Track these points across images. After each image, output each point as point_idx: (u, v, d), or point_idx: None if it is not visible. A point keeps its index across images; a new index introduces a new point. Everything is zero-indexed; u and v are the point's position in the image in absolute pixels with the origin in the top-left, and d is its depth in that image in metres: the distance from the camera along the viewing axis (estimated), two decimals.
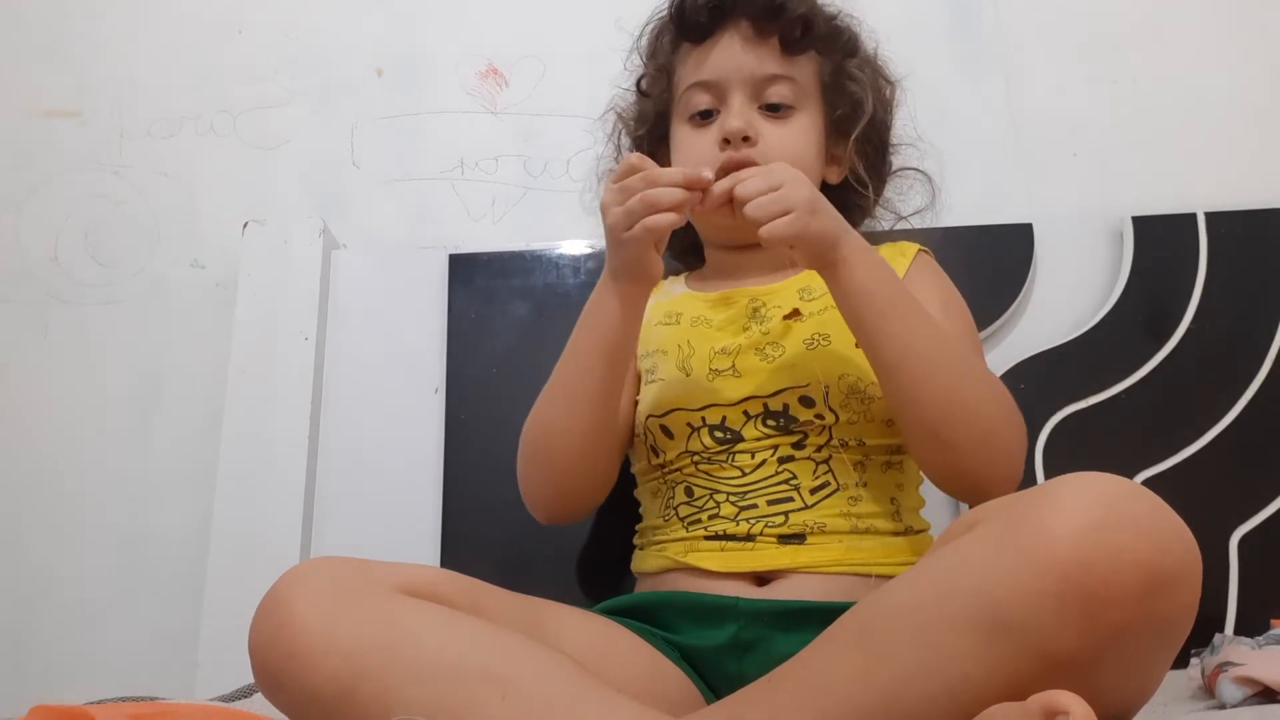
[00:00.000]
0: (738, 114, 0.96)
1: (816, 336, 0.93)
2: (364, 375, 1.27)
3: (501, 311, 1.27)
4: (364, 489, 1.23)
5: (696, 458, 0.93)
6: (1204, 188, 1.29)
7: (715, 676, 0.86)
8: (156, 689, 1.00)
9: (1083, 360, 1.19)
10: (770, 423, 0.92)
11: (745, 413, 0.92)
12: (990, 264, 1.24)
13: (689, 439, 0.94)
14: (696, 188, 0.85)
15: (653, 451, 0.97)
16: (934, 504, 0.98)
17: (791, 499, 0.89)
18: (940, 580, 0.62)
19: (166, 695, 0.91)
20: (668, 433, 0.95)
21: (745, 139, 0.95)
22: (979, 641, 0.58)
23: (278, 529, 1.19)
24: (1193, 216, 1.23)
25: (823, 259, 0.85)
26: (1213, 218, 1.23)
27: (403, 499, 1.22)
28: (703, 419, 0.93)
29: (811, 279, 0.94)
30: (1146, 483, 1.13)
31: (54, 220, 1.41)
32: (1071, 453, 1.16)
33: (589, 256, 1.28)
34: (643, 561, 0.96)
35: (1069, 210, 1.31)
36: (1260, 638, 0.89)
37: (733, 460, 0.92)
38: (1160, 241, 1.23)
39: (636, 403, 1.00)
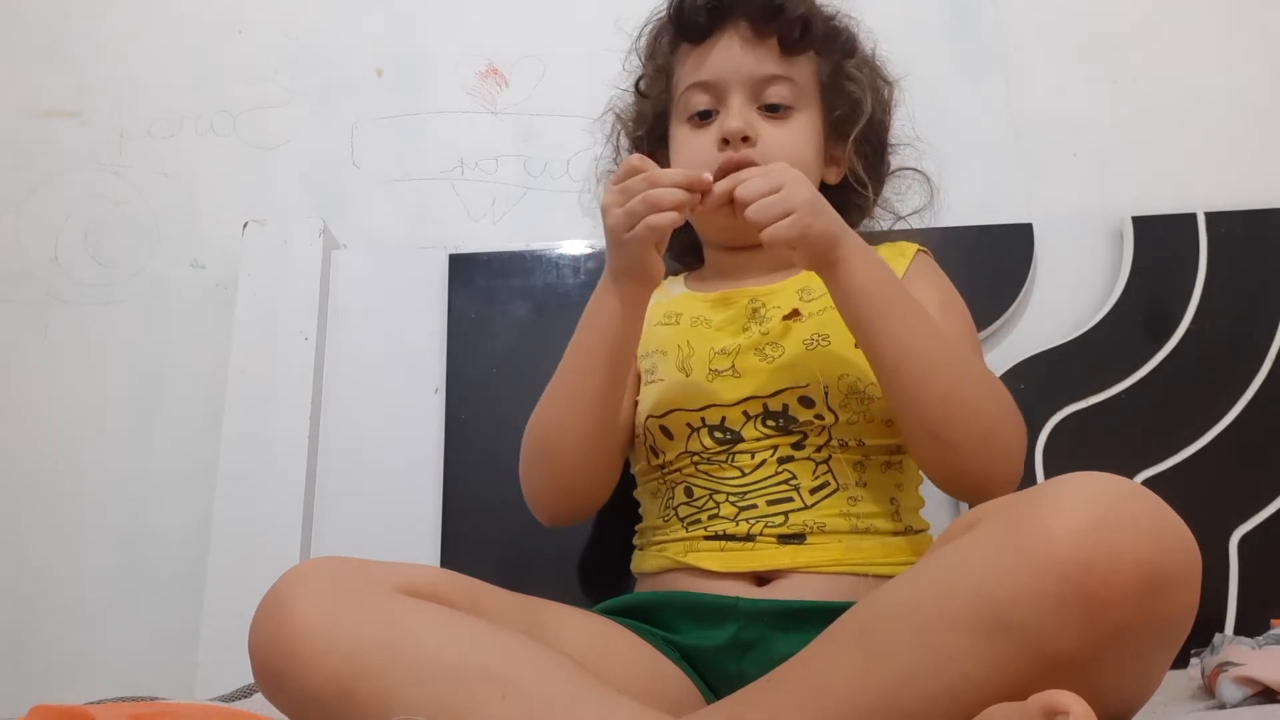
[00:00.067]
0: (737, 114, 0.96)
1: (816, 337, 0.94)
2: (364, 375, 1.27)
3: (501, 311, 1.27)
4: (364, 489, 1.23)
5: (696, 458, 0.93)
6: (1204, 188, 1.29)
7: (715, 676, 0.86)
8: (156, 689, 1.00)
9: (1083, 360, 1.19)
10: (770, 423, 0.92)
11: (745, 413, 0.92)
12: (990, 264, 1.24)
13: (689, 439, 0.94)
14: (697, 189, 0.85)
15: (652, 452, 0.97)
16: (934, 504, 0.98)
17: (791, 499, 0.89)
18: (940, 580, 0.62)
19: (166, 695, 0.91)
20: (667, 433, 0.95)
21: (744, 139, 0.95)
22: (979, 641, 0.58)
23: (278, 529, 1.19)
24: (1193, 216, 1.23)
25: (822, 260, 0.85)
26: (1213, 218, 1.23)
27: (403, 499, 1.22)
28: (702, 419, 0.93)
29: (811, 279, 0.94)
30: (1146, 483, 1.13)
31: (54, 220, 1.41)
32: (1071, 453, 1.16)
33: (589, 256, 1.28)
34: (642, 562, 0.96)
35: (1069, 210, 1.31)
36: (1260, 638, 0.89)
37: (732, 460, 0.92)
38: (1160, 241, 1.23)
39: (636, 403, 1.00)
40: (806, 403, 0.91)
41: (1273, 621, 0.98)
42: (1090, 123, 1.35)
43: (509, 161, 1.40)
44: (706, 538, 0.90)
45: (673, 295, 1.05)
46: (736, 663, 0.85)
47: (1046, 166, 1.34)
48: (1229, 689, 0.78)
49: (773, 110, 0.98)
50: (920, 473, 0.95)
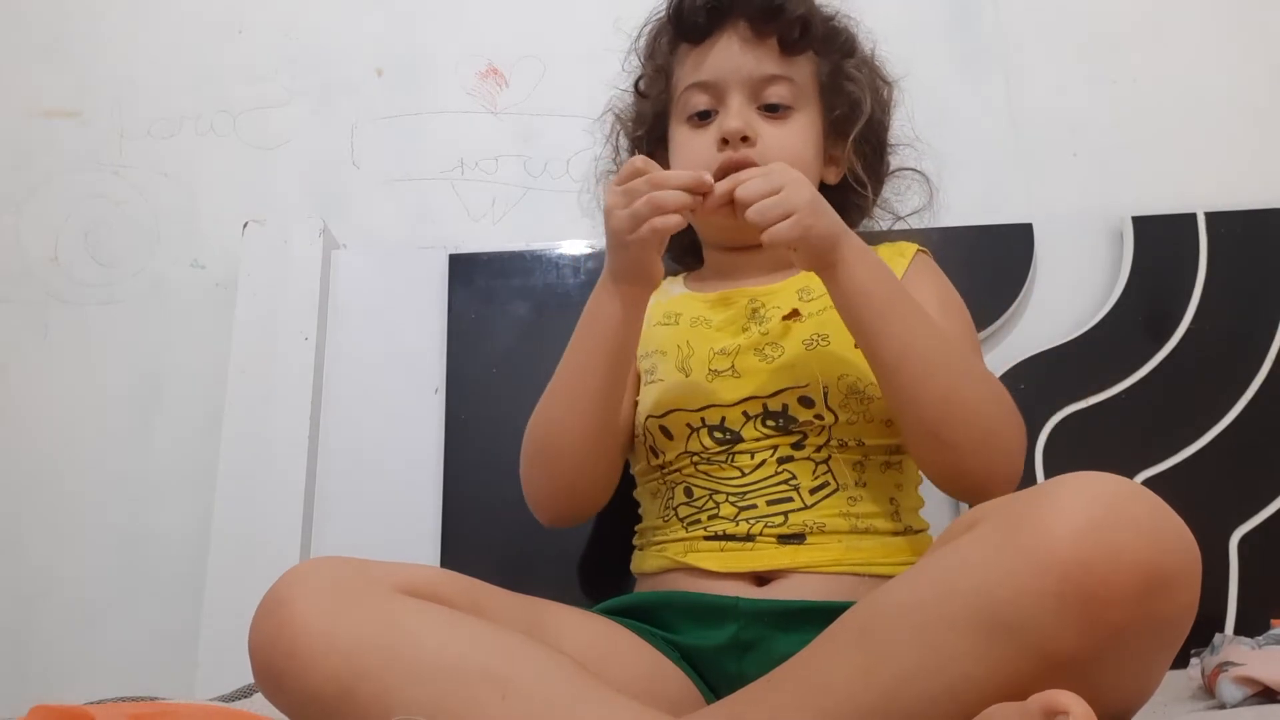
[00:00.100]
0: (736, 114, 0.96)
1: (815, 337, 0.94)
2: (364, 375, 1.27)
3: (501, 311, 1.27)
4: (364, 489, 1.23)
5: (696, 458, 0.93)
6: (1204, 188, 1.29)
7: (715, 676, 0.86)
8: (156, 689, 1.00)
9: (1083, 360, 1.19)
10: (769, 423, 0.92)
11: (744, 413, 0.92)
12: (990, 264, 1.24)
13: (688, 439, 0.94)
14: (699, 191, 0.84)
15: (652, 452, 0.97)
16: (934, 504, 0.98)
17: (791, 499, 0.89)
18: (940, 580, 0.62)
19: (166, 695, 0.91)
20: (667, 433, 0.95)
21: (744, 139, 0.95)
22: (979, 641, 0.58)
23: (278, 529, 1.19)
24: (1193, 216, 1.23)
25: (822, 261, 0.85)
26: (1213, 218, 1.23)
27: (403, 499, 1.22)
28: (702, 419, 0.93)
29: (810, 279, 0.94)
30: (1146, 483, 1.13)
31: (54, 220, 1.41)
32: (1071, 453, 1.16)
33: (589, 256, 1.28)
34: (642, 562, 0.96)
35: (1069, 210, 1.31)
36: (1260, 638, 0.89)
37: (732, 461, 0.92)
38: (1160, 241, 1.23)
39: (636, 404, 1.00)
40: (806, 403, 0.91)
41: (1273, 621, 0.98)
42: (1090, 123, 1.35)
43: (509, 161, 1.40)
44: (706, 538, 0.90)
45: (672, 295, 1.05)
46: (736, 663, 0.85)
47: (1046, 166, 1.34)
48: (1229, 689, 0.78)
49: (772, 110, 0.98)
50: (920, 473, 0.95)
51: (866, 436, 0.91)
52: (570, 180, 1.36)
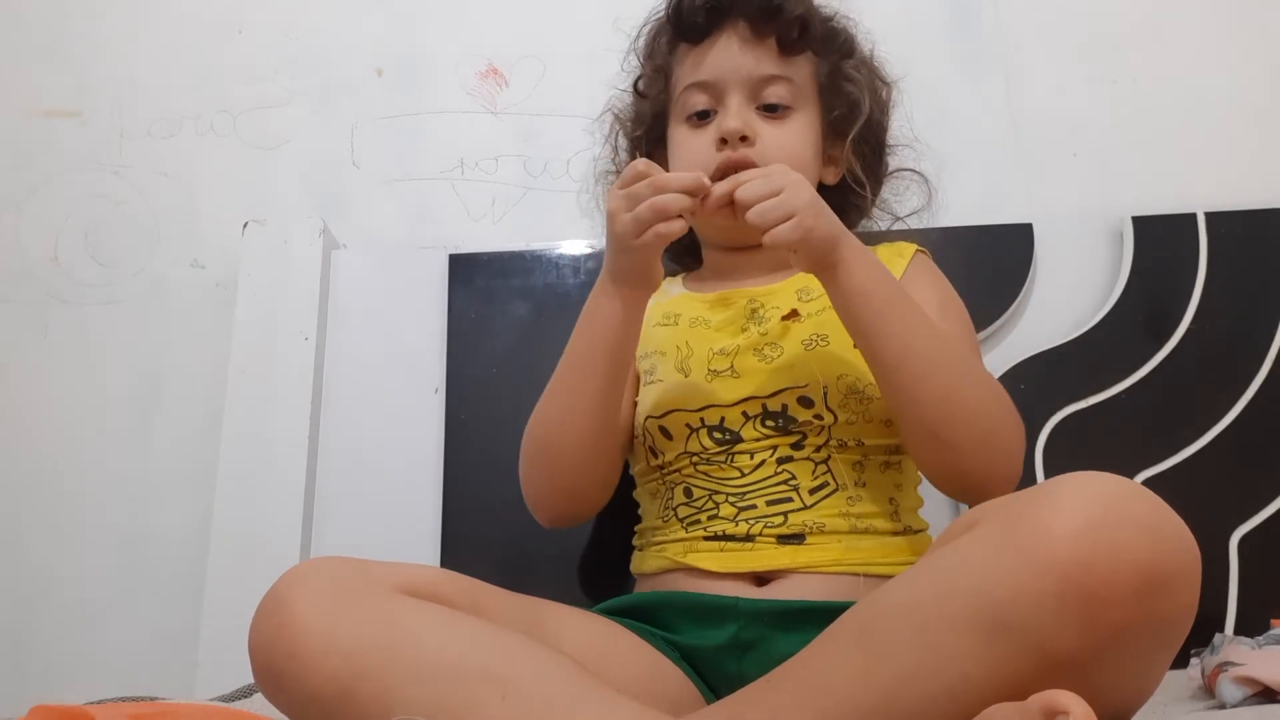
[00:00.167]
0: (735, 114, 0.96)
1: (815, 337, 0.94)
2: (364, 375, 1.27)
3: (501, 311, 1.27)
4: (364, 489, 1.23)
5: (695, 459, 0.93)
6: (1204, 188, 1.29)
7: (715, 676, 0.86)
8: (156, 689, 1.00)
9: (1083, 360, 1.19)
10: (769, 423, 0.92)
11: (744, 413, 0.92)
12: (990, 264, 1.24)
13: (688, 440, 0.94)
14: (699, 194, 0.84)
15: (651, 453, 0.97)
16: (934, 504, 0.98)
17: (790, 499, 0.89)
18: (940, 580, 0.62)
19: (166, 695, 0.91)
20: (666, 434, 0.95)
21: (743, 139, 0.95)
22: (979, 641, 0.58)
23: (278, 529, 1.19)
24: (1193, 216, 1.23)
25: (822, 262, 0.85)
26: (1213, 218, 1.23)
27: (403, 499, 1.22)
28: (701, 420, 0.93)
29: (809, 279, 0.94)
30: (1146, 483, 1.13)
31: (54, 220, 1.41)
32: (1071, 453, 1.16)
33: (589, 256, 1.28)
34: (642, 562, 0.96)
35: (1069, 210, 1.31)
36: (1260, 638, 0.89)
37: (732, 461, 0.92)
38: (1160, 241, 1.23)
39: (635, 404, 1.00)
40: (805, 403, 0.91)
41: (1273, 621, 0.98)
42: (1090, 123, 1.35)
43: (509, 161, 1.40)
44: (706, 538, 0.90)
45: (671, 296, 1.05)
46: (736, 663, 0.84)
47: (1046, 166, 1.34)
48: (1229, 689, 0.78)
49: (771, 110, 0.98)
50: (919, 473, 0.95)
51: (866, 436, 0.91)
52: (570, 180, 1.36)
